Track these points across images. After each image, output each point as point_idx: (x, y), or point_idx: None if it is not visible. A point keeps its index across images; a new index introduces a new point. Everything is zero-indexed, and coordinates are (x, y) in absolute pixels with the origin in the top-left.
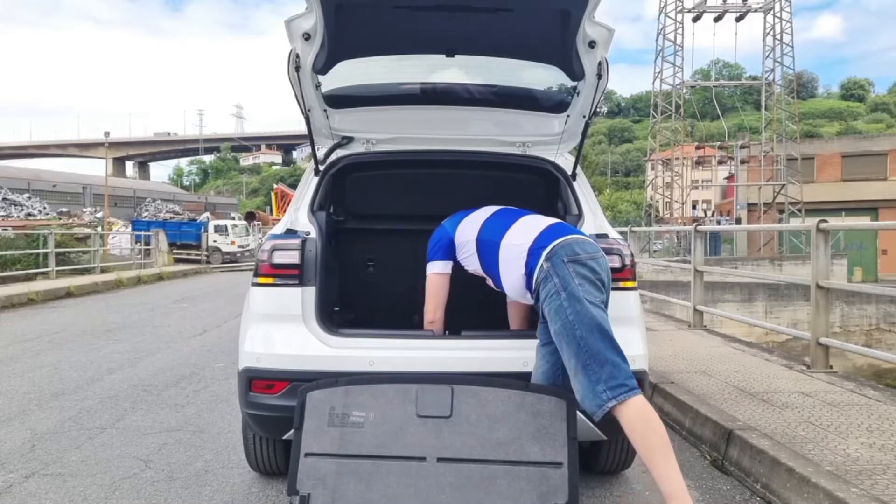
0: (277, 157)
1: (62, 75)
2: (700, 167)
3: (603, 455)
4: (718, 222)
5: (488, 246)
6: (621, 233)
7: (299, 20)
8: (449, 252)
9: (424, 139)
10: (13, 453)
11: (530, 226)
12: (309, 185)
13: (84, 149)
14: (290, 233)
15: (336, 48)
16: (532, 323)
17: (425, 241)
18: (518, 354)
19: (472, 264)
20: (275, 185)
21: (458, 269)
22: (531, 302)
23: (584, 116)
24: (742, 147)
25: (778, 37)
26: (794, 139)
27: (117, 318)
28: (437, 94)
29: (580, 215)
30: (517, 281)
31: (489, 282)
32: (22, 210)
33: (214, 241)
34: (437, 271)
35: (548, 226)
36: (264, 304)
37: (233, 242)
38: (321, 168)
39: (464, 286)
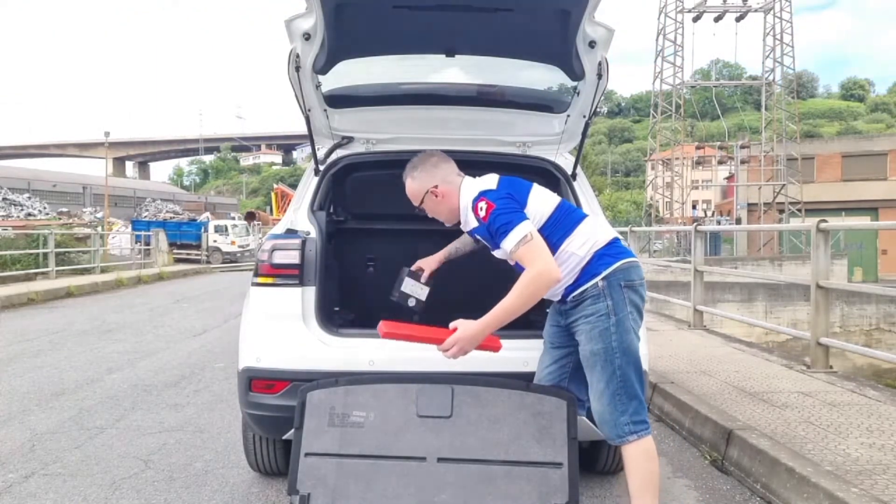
0: (277, 157)
1: (63, 75)
2: (700, 167)
3: (603, 455)
4: (718, 222)
5: (547, 244)
6: (621, 233)
7: (299, 20)
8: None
9: (424, 139)
10: (13, 453)
11: (591, 235)
12: (309, 185)
13: (84, 149)
14: (290, 233)
15: (336, 48)
16: (528, 320)
17: (425, 241)
18: (518, 354)
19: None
20: (275, 185)
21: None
22: (555, 299)
23: (585, 116)
24: (742, 147)
25: (778, 37)
26: (794, 139)
27: (117, 318)
28: (437, 94)
29: None
30: (559, 286)
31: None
32: (22, 210)
33: (214, 241)
34: (535, 229)
35: (610, 240)
36: (264, 304)
37: (233, 242)
38: (321, 168)
39: (462, 285)
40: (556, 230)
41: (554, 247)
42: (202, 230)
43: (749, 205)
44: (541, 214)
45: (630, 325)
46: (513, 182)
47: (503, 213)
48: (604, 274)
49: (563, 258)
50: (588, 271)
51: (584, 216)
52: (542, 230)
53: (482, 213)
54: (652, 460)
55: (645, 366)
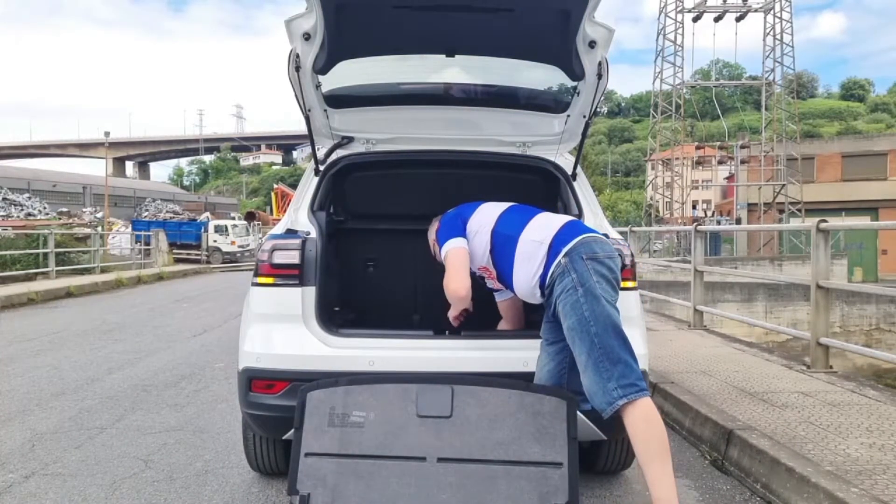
0: (277, 157)
1: (63, 75)
2: (700, 167)
3: (603, 455)
4: (718, 222)
5: (505, 239)
6: (621, 233)
7: (299, 20)
8: (464, 232)
9: (424, 139)
10: (13, 453)
11: (549, 222)
12: (309, 185)
13: (84, 149)
14: (291, 233)
15: (336, 48)
16: (528, 320)
17: (425, 241)
18: (518, 354)
19: (479, 257)
20: (275, 185)
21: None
22: (538, 300)
23: (585, 116)
24: (742, 147)
25: (778, 37)
26: (794, 139)
27: (117, 318)
28: (436, 94)
29: (580, 215)
30: (531, 277)
31: (489, 281)
32: (22, 210)
33: (214, 241)
34: (458, 246)
35: (566, 223)
36: (264, 304)
37: (233, 242)
38: (321, 168)
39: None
40: (510, 225)
41: (512, 240)
42: (202, 230)
43: (749, 205)
44: (487, 220)
45: (599, 293)
46: (466, 205)
47: (443, 230)
48: (564, 251)
49: (525, 247)
50: (552, 254)
51: (539, 211)
52: (495, 228)
53: (435, 233)
54: (653, 424)
55: (645, 365)
